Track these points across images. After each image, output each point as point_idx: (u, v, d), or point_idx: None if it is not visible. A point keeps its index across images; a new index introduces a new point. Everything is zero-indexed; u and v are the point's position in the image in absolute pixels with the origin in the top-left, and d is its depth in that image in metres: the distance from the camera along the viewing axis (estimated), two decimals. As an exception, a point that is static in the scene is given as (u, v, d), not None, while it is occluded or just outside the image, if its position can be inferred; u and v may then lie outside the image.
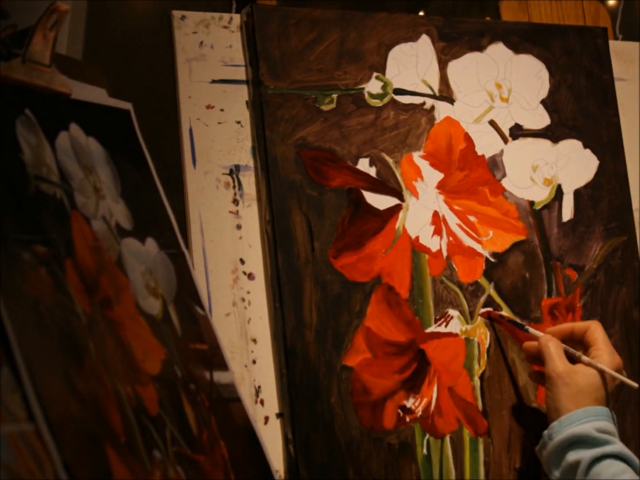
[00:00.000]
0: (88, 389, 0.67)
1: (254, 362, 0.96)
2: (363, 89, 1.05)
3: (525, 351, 1.03)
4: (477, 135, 1.10)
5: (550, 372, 0.97)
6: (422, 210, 1.05)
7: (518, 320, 1.06)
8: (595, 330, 1.00)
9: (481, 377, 1.04)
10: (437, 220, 1.05)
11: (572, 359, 0.98)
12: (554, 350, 0.98)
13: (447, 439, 1.01)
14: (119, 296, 0.78)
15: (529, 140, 1.13)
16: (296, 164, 1.00)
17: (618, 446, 0.92)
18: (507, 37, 1.14)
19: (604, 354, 0.98)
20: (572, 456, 0.92)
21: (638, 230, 1.18)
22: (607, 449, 0.91)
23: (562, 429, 0.93)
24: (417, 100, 1.08)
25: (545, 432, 0.95)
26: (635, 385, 0.97)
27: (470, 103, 1.11)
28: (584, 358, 0.98)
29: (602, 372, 0.96)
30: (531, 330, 1.03)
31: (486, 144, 1.11)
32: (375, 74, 1.06)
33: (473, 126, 1.10)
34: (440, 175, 1.07)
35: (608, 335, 1.01)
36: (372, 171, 1.03)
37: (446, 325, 1.03)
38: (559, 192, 1.13)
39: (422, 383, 1.00)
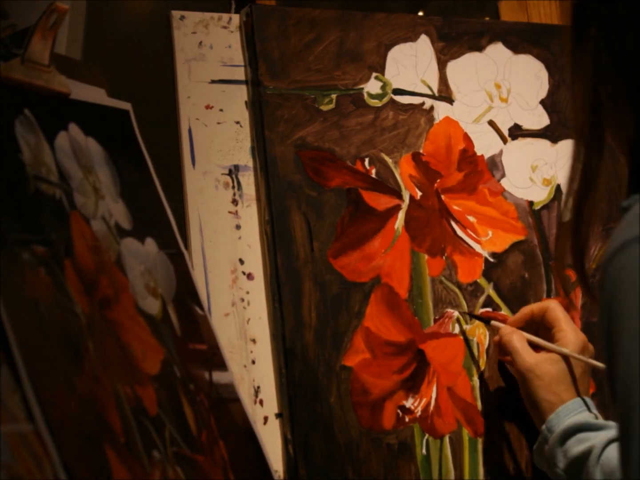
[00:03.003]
0: (87, 389, 0.67)
1: (253, 362, 0.96)
2: (362, 89, 1.05)
3: (496, 346, 1.02)
4: (477, 136, 1.10)
5: (519, 368, 0.96)
6: (421, 211, 1.05)
7: (483, 316, 1.04)
8: (555, 310, 0.99)
9: (480, 377, 1.04)
10: (437, 221, 1.05)
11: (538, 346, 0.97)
12: (518, 344, 0.96)
13: (447, 439, 1.01)
14: (118, 296, 0.78)
15: (528, 140, 1.13)
16: (295, 164, 1.00)
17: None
18: (506, 37, 1.14)
19: (567, 333, 0.96)
20: (578, 446, 0.90)
21: (637, 231, 1.18)
22: (611, 433, 0.89)
23: (560, 421, 0.92)
24: (416, 100, 1.08)
25: (543, 426, 0.93)
26: (601, 365, 0.94)
27: (470, 103, 1.11)
28: (548, 345, 0.96)
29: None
30: (493, 323, 1.01)
31: (485, 144, 1.11)
32: (374, 74, 1.06)
33: (472, 126, 1.10)
34: (439, 176, 1.07)
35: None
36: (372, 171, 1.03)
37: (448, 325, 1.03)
38: (558, 192, 1.13)
39: (421, 383, 1.00)
